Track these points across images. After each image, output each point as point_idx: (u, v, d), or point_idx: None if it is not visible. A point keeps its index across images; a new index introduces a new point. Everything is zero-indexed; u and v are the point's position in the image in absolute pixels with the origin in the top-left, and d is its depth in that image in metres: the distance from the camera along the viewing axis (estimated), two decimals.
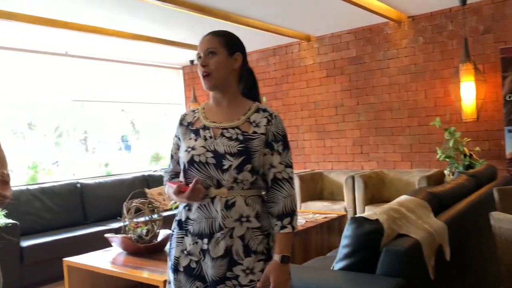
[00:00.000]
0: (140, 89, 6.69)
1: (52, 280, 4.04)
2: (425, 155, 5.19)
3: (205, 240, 1.52)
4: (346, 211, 5.05)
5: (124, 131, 7.70)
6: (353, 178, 5.08)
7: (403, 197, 2.34)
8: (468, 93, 4.57)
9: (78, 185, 5.15)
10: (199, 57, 1.60)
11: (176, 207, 1.72)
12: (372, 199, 5.06)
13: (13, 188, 4.54)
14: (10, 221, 3.91)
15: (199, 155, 1.54)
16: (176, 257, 1.58)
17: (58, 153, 6.46)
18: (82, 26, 4.71)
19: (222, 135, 1.56)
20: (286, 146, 1.60)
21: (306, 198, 5.51)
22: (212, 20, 4.58)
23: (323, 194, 5.80)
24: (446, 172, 4.72)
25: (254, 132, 1.56)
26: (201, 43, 1.61)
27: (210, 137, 1.57)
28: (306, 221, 4.12)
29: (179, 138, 1.67)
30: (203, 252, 1.53)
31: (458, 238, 2.36)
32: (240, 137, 1.55)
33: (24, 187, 4.73)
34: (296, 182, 5.47)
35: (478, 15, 4.75)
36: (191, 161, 1.54)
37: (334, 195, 5.67)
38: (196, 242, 1.54)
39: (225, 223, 1.51)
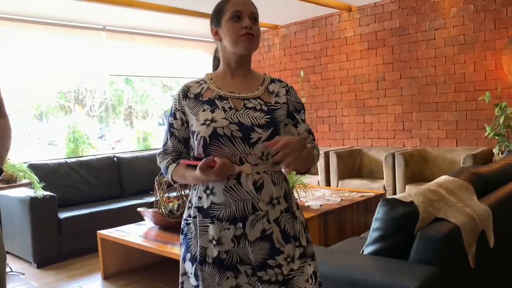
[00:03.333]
0: (178, 64, 6.65)
1: (89, 251, 4.14)
2: (473, 132, 4.87)
3: (239, 225, 1.40)
4: (385, 189, 4.87)
5: (166, 107, 7.78)
6: (393, 155, 4.87)
7: (443, 178, 2.16)
8: None
9: (115, 159, 5.20)
10: (238, 17, 1.45)
11: None
12: (413, 178, 4.83)
13: (53, 161, 4.69)
14: (48, 193, 4.00)
15: (222, 127, 1.40)
16: (203, 248, 1.43)
17: (104, 127, 6.58)
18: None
19: (245, 106, 1.45)
20: (304, 115, 1.61)
21: (343, 175, 5.35)
22: None
23: (362, 172, 5.61)
24: (495, 151, 4.42)
25: (276, 102, 1.50)
26: (243, 3, 1.48)
27: (230, 108, 1.44)
28: (342, 199, 3.99)
29: (183, 112, 1.50)
30: (237, 238, 1.41)
31: (504, 224, 2.16)
32: (265, 108, 1.46)
33: (62, 160, 4.82)
34: (334, 159, 5.31)
35: None
36: (214, 135, 1.40)
37: (373, 173, 5.47)
38: (228, 228, 1.41)
39: (260, 206, 1.40)
